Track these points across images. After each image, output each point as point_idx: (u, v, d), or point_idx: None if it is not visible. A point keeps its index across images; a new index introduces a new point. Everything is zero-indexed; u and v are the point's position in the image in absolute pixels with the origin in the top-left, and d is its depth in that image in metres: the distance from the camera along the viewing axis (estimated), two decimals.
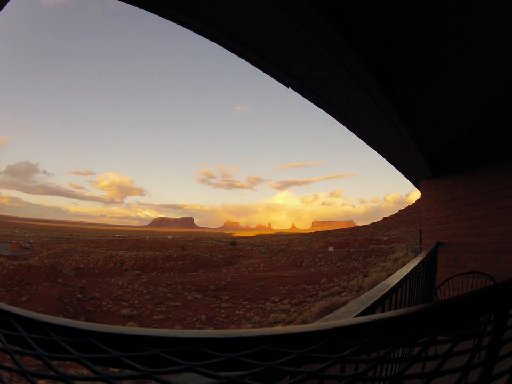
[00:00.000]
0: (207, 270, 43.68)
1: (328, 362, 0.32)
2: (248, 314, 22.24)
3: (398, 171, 4.74)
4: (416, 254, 9.35)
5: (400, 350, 1.78)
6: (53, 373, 0.30)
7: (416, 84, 2.81)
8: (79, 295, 24.13)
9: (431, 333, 0.33)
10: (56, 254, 56.31)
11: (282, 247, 67.95)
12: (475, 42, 2.35)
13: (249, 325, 19.09)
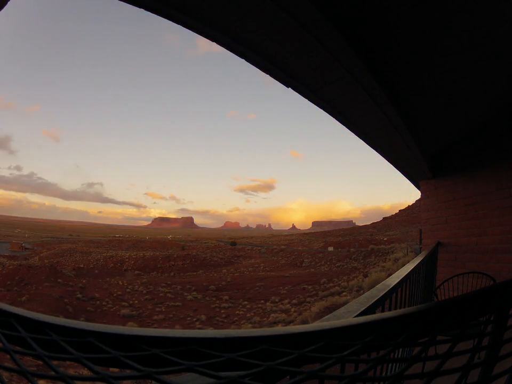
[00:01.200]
0: (207, 270, 43.66)
1: (328, 362, 0.32)
2: (248, 314, 22.24)
3: (398, 171, 4.75)
4: (416, 254, 9.35)
5: (400, 350, 1.79)
6: (53, 373, 0.30)
7: (416, 83, 2.81)
8: (79, 295, 24.13)
9: (431, 333, 0.33)
10: (56, 254, 56.32)
11: (282, 247, 67.88)
12: (476, 42, 2.35)
13: (249, 325, 19.08)
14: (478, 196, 4.04)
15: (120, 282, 31.81)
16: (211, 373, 0.30)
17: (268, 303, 24.09)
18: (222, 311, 23.66)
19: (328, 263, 41.24)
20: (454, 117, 3.77)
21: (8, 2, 1.20)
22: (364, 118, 2.96)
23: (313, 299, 22.62)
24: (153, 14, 1.72)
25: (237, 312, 23.21)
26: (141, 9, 1.69)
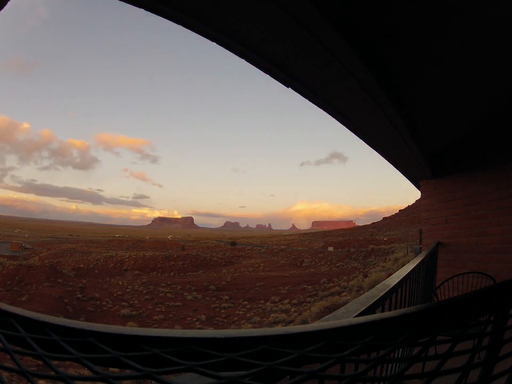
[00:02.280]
0: (207, 270, 43.66)
1: (328, 362, 0.32)
2: (248, 314, 22.24)
3: (398, 171, 4.74)
4: (416, 254, 9.35)
5: (400, 350, 1.79)
6: (53, 373, 0.30)
7: (416, 83, 2.81)
8: (79, 295, 24.14)
9: (431, 333, 0.33)
10: (56, 254, 56.31)
11: (282, 247, 67.83)
12: (476, 41, 2.35)
13: (249, 325, 19.09)
14: (478, 196, 4.04)
15: (120, 282, 31.81)
16: (211, 373, 0.30)
17: (268, 303, 24.10)
18: (222, 311, 23.66)
19: (328, 263, 41.24)
20: (454, 117, 3.77)
21: (8, 2, 1.21)
22: (364, 118, 2.96)
23: (313, 299, 22.62)
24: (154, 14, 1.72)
25: (237, 312, 23.21)
26: (141, 9, 1.69)
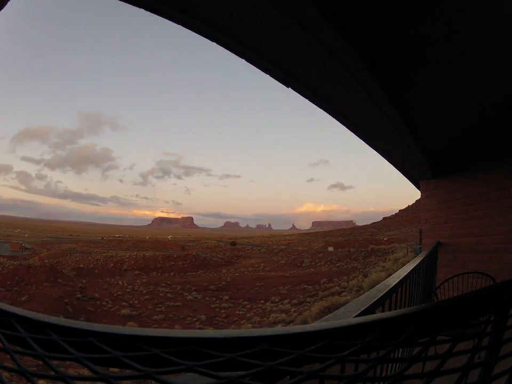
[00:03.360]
0: (207, 270, 43.64)
1: (328, 362, 0.32)
2: (248, 314, 22.24)
3: (398, 171, 4.75)
4: (416, 254, 9.36)
5: (400, 350, 1.79)
6: (53, 373, 0.30)
7: (416, 83, 2.81)
8: (79, 295, 24.13)
9: (431, 333, 0.33)
10: (56, 254, 56.31)
11: (282, 247, 67.84)
12: (477, 42, 2.35)
13: (249, 325, 19.09)
14: (478, 196, 4.04)
15: (120, 282, 31.80)
16: (211, 373, 0.30)
17: (268, 303, 24.09)
18: (222, 311, 23.65)
19: (328, 263, 41.23)
20: (454, 117, 3.77)
21: (8, 2, 1.20)
22: (363, 118, 2.96)
23: (313, 299, 22.62)
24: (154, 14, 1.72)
25: (237, 312, 23.21)
26: (141, 9, 1.69)
